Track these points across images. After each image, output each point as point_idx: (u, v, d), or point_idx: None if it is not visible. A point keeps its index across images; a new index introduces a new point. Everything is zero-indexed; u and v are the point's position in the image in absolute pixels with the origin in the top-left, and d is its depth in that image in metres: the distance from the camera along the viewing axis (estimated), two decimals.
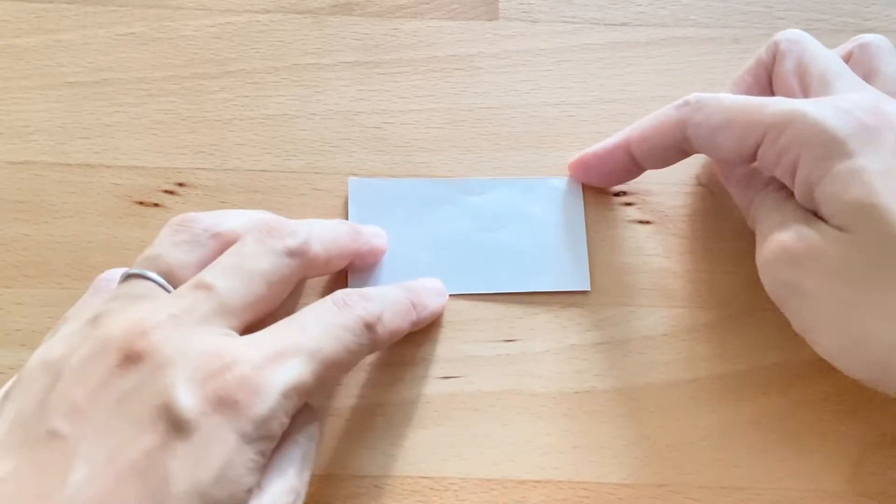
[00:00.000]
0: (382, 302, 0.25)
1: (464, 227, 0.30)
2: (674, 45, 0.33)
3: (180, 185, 0.30)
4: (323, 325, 0.23)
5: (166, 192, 0.30)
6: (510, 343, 0.29)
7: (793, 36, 0.27)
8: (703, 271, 0.30)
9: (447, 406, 0.28)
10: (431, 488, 0.27)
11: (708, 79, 0.33)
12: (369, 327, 0.24)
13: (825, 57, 0.27)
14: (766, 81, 0.28)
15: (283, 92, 0.32)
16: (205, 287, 0.22)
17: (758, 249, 0.26)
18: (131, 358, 0.20)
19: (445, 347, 0.29)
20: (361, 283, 0.29)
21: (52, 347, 0.22)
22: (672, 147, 0.27)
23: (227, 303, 0.22)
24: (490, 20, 0.33)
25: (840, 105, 0.24)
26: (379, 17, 0.33)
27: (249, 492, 0.20)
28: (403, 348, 0.29)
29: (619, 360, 0.29)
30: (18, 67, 0.32)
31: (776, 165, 0.25)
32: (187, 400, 0.20)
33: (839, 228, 0.23)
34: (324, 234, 0.26)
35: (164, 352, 0.21)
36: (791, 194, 0.26)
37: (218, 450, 0.20)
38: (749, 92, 0.28)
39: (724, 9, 0.34)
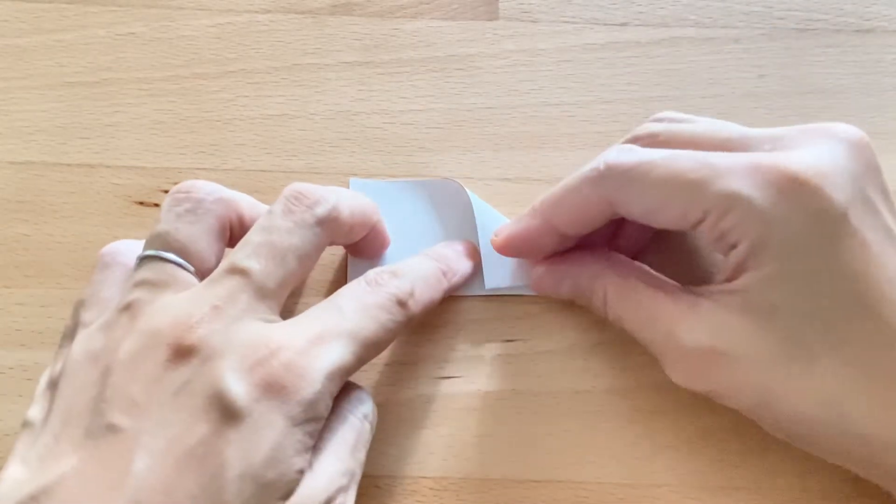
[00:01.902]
0: (413, 277, 0.25)
1: (464, 228, 0.30)
2: (674, 45, 0.33)
3: None
4: (359, 305, 0.24)
5: (166, 192, 0.30)
6: (510, 343, 0.29)
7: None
8: (702, 271, 0.30)
9: (447, 406, 0.28)
10: (431, 488, 0.27)
11: (708, 79, 0.33)
12: (402, 304, 0.24)
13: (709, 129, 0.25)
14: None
15: (283, 92, 0.32)
16: (240, 272, 0.23)
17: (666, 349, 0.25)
18: (181, 353, 0.21)
19: (445, 347, 0.29)
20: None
21: (92, 337, 0.23)
22: (603, 220, 0.26)
23: (264, 286, 0.23)
24: (490, 20, 0.33)
25: (782, 185, 0.22)
26: (379, 17, 0.33)
27: (301, 472, 0.21)
28: (403, 348, 0.29)
29: (619, 360, 0.29)
30: (18, 67, 0.32)
31: (716, 243, 0.24)
32: (238, 388, 0.21)
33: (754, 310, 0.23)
34: (350, 201, 0.26)
35: (212, 344, 0.21)
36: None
37: (268, 433, 0.21)
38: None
39: (724, 9, 0.34)
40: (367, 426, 0.24)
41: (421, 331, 0.29)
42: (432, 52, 0.33)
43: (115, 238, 0.29)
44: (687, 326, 0.24)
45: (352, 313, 0.23)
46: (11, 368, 0.28)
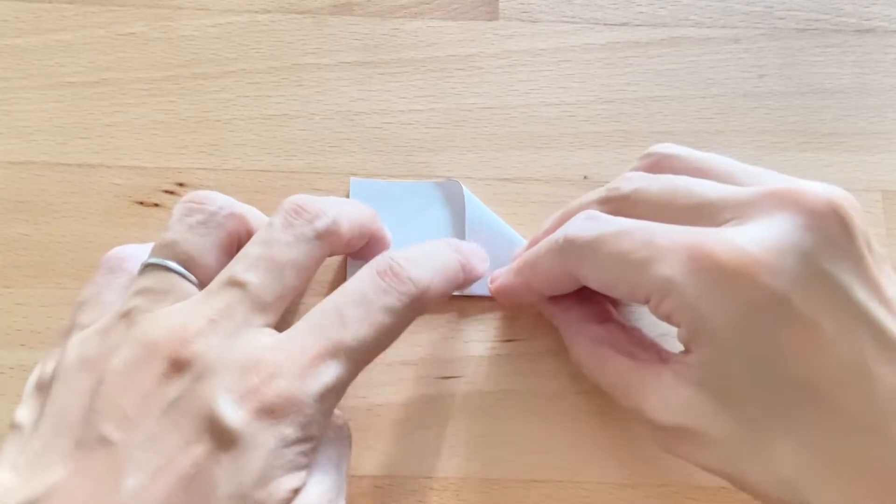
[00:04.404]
0: (433, 267, 0.24)
1: (463, 228, 0.30)
2: (674, 45, 0.33)
3: (180, 185, 0.30)
4: (363, 311, 0.22)
5: (166, 192, 0.30)
6: (510, 343, 0.29)
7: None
8: None
9: (447, 406, 0.28)
10: (431, 488, 0.27)
11: (708, 79, 0.33)
12: (415, 300, 0.23)
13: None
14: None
15: (283, 92, 0.32)
16: (238, 285, 0.22)
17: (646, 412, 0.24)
18: (175, 366, 0.21)
19: (445, 347, 0.29)
20: None
21: (87, 342, 0.22)
22: (574, 285, 0.26)
23: (262, 300, 0.22)
24: (490, 20, 0.33)
25: (714, 274, 0.22)
26: (379, 17, 0.33)
27: (295, 491, 0.21)
28: (403, 348, 0.29)
29: None
30: (18, 67, 0.32)
31: (665, 320, 0.24)
32: (231, 413, 0.20)
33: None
34: (350, 213, 0.25)
35: (206, 360, 0.21)
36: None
37: (259, 454, 0.20)
38: None
39: (724, 9, 0.34)
40: (345, 439, 0.24)
41: (421, 331, 0.29)
42: (432, 52, 0.33)
43: (115, 238, 0.30)
44: (651, 405, 0.24)
45: (354, 322, 0.22)
46: (11, 368, 0.28)
